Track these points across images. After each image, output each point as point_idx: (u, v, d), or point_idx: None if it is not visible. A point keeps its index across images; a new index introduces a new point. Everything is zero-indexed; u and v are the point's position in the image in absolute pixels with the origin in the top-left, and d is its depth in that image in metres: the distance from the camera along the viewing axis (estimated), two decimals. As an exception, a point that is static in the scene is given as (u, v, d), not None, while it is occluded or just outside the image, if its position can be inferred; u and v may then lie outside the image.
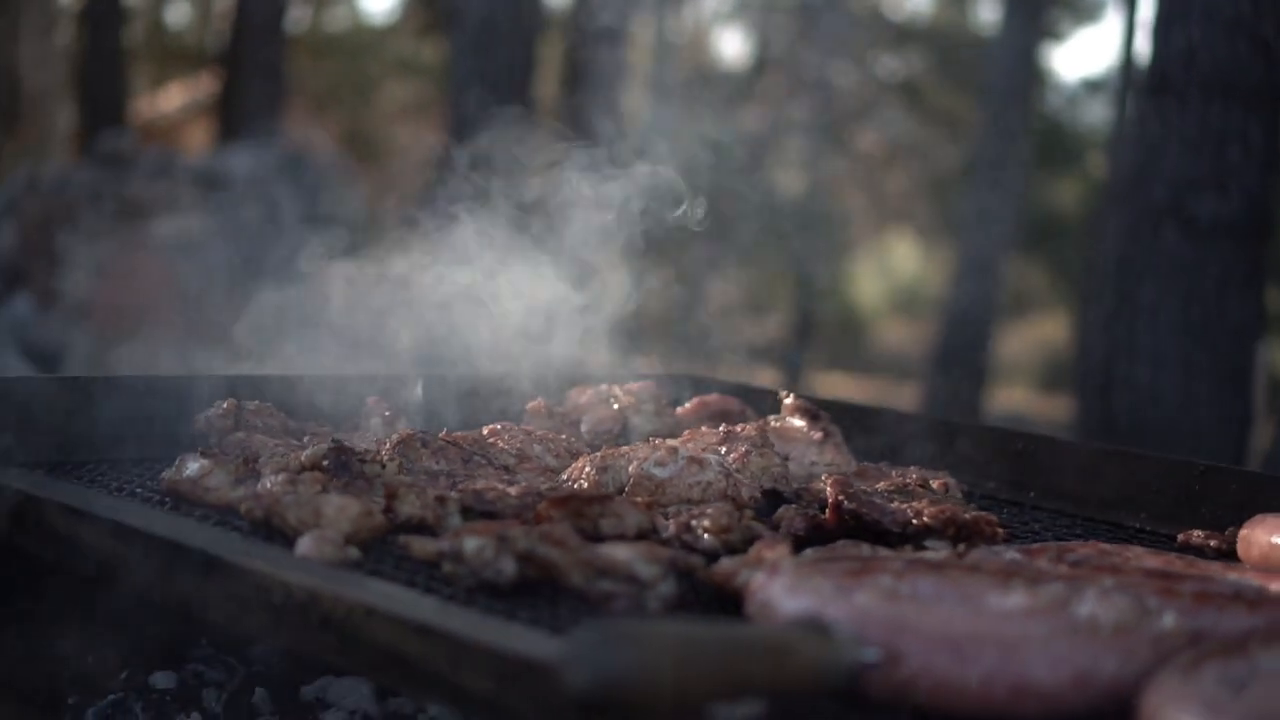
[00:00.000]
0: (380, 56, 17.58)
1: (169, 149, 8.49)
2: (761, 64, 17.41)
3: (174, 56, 17.21)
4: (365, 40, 17.81)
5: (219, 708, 1.38)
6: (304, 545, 1.08)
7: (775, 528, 1.24)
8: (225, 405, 1.50)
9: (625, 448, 1.34)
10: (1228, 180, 5.40)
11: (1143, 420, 4.70)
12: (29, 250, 7.37)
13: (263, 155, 7.47)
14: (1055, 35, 17.53)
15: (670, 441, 1.35)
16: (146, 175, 7.25)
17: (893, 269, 19.94)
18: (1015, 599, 0.94)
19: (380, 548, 1.15)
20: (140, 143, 10.73)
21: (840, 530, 1.24)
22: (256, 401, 1.50)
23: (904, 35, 18.48)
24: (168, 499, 1.30)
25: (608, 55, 9.04)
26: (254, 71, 11.35)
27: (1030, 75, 12.51)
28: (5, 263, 7.33)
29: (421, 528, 1.16)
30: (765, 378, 10.65)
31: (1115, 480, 1.66)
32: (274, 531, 1.17)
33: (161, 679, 1.42)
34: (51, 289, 7.27)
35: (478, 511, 1.17)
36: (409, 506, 1.15)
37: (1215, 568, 1.17)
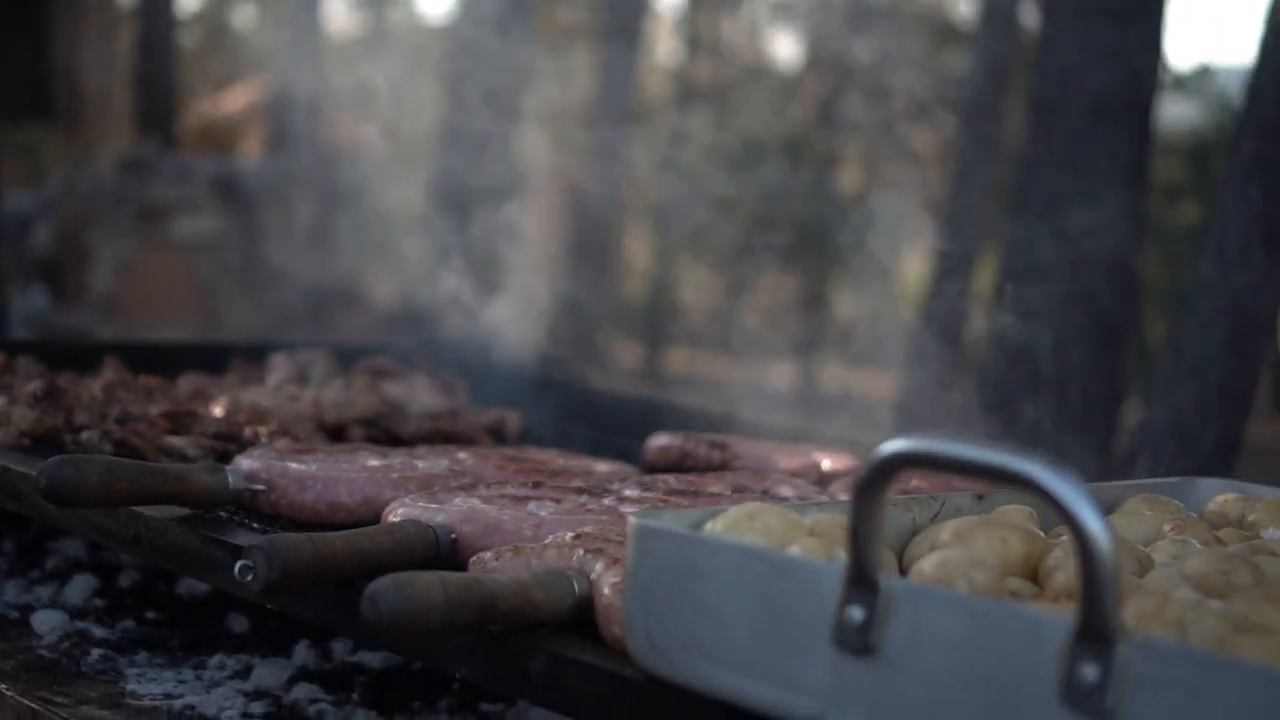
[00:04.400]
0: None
1: (186, 157, 9.33)
2: (812, 63, 17.92)
3: (237, 59, 18.10)
4: (423, 41, 18.59)
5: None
6: (-1, 435, 1.79)
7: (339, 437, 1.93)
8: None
9: (265, 389, 2.03)
10: (1099, 192, 6.02)
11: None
12: (63, 247, 8.24)
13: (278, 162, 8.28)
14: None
15: (294, 388, 2.03)
16: (166, 181, 8.09)
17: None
18: (359, 459, 1.61)
19: (53, 443, 1.84)
20: (184, 147, 11.62)
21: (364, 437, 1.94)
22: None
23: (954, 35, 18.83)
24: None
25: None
26: (293, 75, 12.10)
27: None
28: (41, 258, 8.20)
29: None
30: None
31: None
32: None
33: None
34: (81, 283, 8.14)
35: (122, 420, 1.85)
36: (80, 418, 1.84)
37: (547, 457, 1.82)
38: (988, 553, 1.14)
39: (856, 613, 1.02)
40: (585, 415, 2.44)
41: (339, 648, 1.75)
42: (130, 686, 1.61)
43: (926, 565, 1.12)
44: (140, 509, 1.53)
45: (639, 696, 1.15)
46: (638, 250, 16.15)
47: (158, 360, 2.24)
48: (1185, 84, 12.17)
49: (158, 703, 1.57)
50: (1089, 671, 0.92)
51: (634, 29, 12.48)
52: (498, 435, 2.08)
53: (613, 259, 13.66)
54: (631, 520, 1.13)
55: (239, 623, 1.81)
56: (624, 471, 1.80)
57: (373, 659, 1.73)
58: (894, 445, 0.99)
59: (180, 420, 1.81)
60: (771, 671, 1.06)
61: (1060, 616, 0.94)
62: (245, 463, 1.56)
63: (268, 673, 1.65)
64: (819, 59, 17.66)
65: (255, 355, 2.33)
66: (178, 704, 1.57)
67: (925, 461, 0.99)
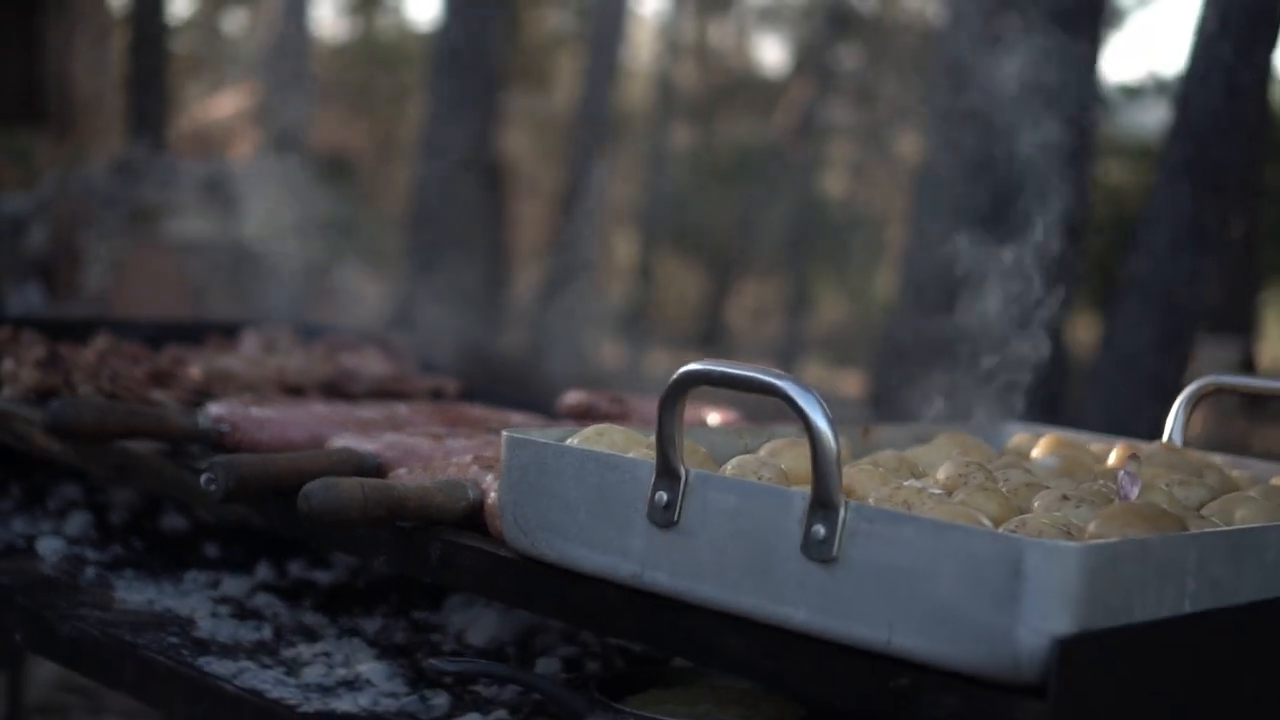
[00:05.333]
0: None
1: (175, 159, 9.69)
2: (799, 68, 18.27)
3: (229, 64, 18.40)
4: (412, 48, 18.90)
5: None
6: (5, 391, 2.14)
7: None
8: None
9: (236, 357, 2.38)
10: (1036, 190, 6.38)
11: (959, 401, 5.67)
12: (57, 247, 8.59)
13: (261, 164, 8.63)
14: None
15: (261, 357, 2.39)
16: (155, 183, 8.44)
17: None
18: (310, 408, 1.97)
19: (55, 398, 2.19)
20: (177, 151, 11.95)
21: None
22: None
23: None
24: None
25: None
26: (285, 79, 12.43)
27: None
28: (36, 258, 8.55)
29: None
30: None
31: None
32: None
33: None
34: (75, 281, 8.49)
35: (113, 378, 2.20)
36: (77, 378, 2.19)
37: (473, 410, 2.17)
38: (777, 460, 1.49)
39: (663, 496, 1.36)
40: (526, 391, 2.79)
41: (295, 567, 2.10)
42: (119, 595, 1.95)
43: (729, 466, 1.47)
44: (126, 443, 1.88)
45: (511, 570, 1.50)
46: (623, 253, 16.51)
47: (144, 335, 2.59)
48: (1138, 93, 12.52)
49: (142, 607, 1.91)
50: (819, 530, 1.27)
51: (616, 34, 12.79)
52: (437, 398, 2.43)
53: (596, 262, 14.00)
54: (504, 433, 1.48)
55: (212, 550, 2.16)
56: (534, 420, 2.15)
57: (323, 576, 2.08)
58: (687, 367, 1.34)
59: (162, 379, 2.16)
60: (604, 543, 1.40)
61: (801, 491, 1.29)
62: (214, 408, 1.91)
63: (234, 585, 2.00)
64: (805, 64, 18.02)
65: (229, 331, 2.68)
66: (158, 607, 1.92)
67: (709, 379, 1.34)
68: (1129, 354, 5.80)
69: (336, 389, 2.30)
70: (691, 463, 1.45)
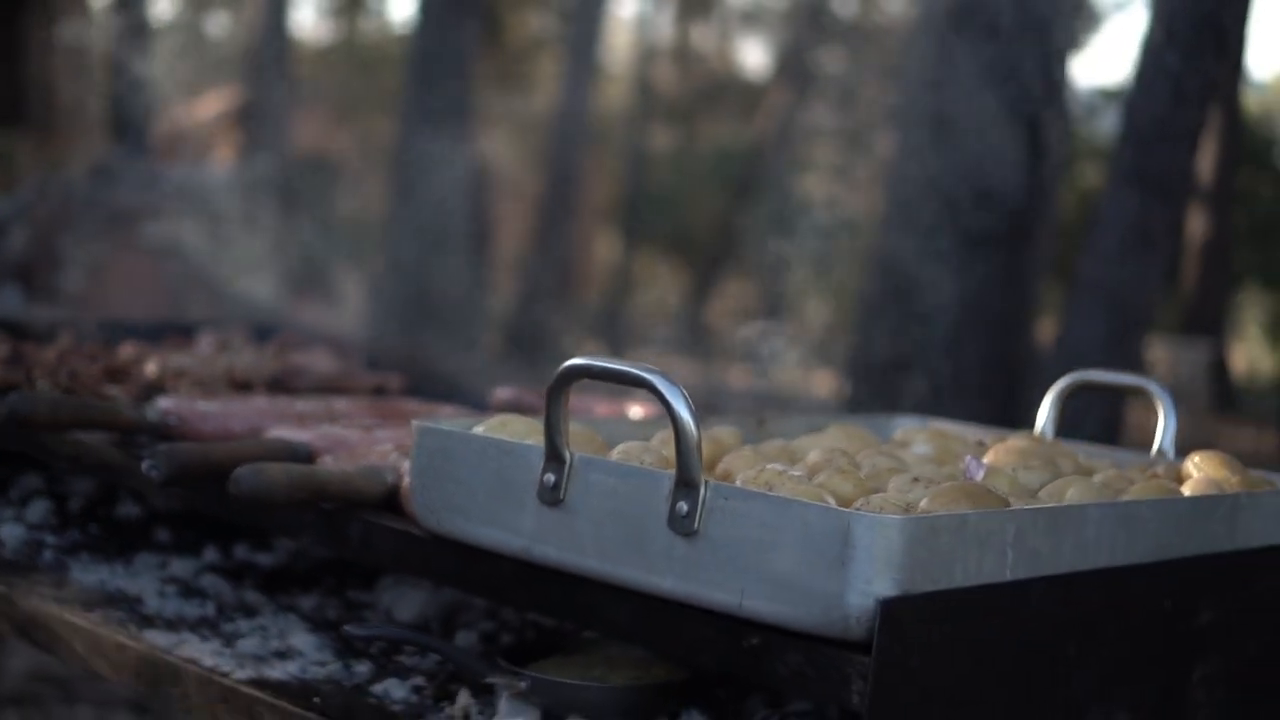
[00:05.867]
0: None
1: (154, 163, 9.85)
2: (780, 71, 18.45)
3: (212, 67, 18.54)
4: (394, 50, 19.05)
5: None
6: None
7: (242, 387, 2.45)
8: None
9: (191, 355, 2.55)
10: (992, 196, 6.59)
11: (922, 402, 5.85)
12: (36, 250, 8.74)
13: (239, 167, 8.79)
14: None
15: (214, 355, 2.55)
16: (134, 187, 8.60)
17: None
18: (252, 403, 2.13)
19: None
20: (159, 154, 12.10)
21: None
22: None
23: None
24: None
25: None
26: (265, 82, 12.58)
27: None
28: (15, 260, 8.70)
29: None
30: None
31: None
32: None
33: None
34: (53, 284, 8.65)
35: (70, 376, 2.36)
36: (37, 374, 2.35)
37: (407, 404, 2.33)
38: (663, 448, 1.66)
39: (550, 477, 1.53)
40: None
41: (240, 551, 2.26)
42: (74, 576, 2.12)
43: (616, 451, 1.63)
44: (79, 434, 2.04)
45: (421, 547, 1.67)
46: (601, 255, 16.67)
47: (107, 335, 2.75)
48: (1116, 96, 12.69)
49: (94, 586, 2.08)
50: (682, 506, 1.44)
51: (594, 37, 12.96)
52: (380, 394, 2.59)
53: (574, 264, 14.17)
54: (413, 423, 1.65)
55: (163, 535, 2.32)
56: (465, 413, 2.31)
57: (265, 559, 2.24)
58: (571, 362, 1.51)
59: (117, 375, 2.32)
60: (500, 521, 1.57)
61: (668, 473, 1.46)
62: (162, 401, 2.07)
63: (181, 567, 2.16)
64: (787, 67, 18.20)
65: (187, 331, 2.85)
66: (110, 587, 2.08)
67: (590, 373, 1.50)
68: (1078, 353, 5.98)
69: (283, 385, 2.46)
70: (589, 449, 1.62)
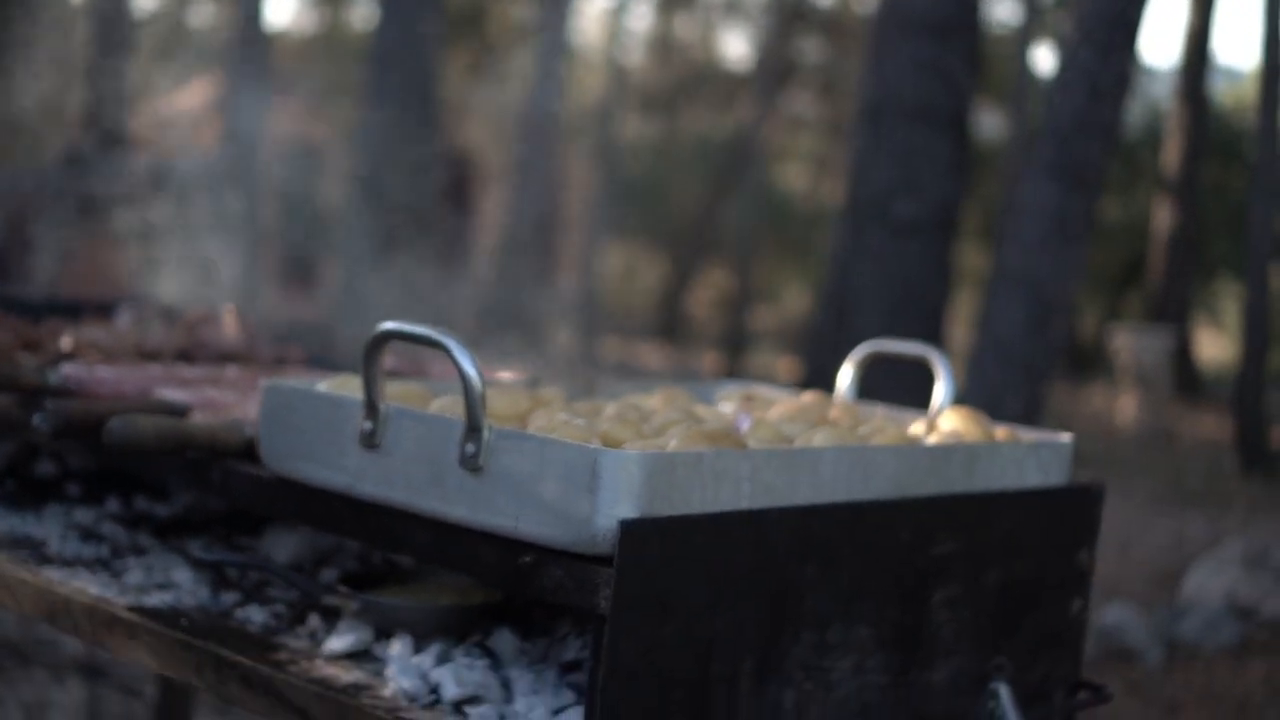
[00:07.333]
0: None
1: (126, 152, 10.12)
2: (762, 61, 18.71)
3: (194, 57, 18.78)
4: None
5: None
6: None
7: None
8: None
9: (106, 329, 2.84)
10: (921, 189, 6.89)
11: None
12: (9, 236, 9.04)
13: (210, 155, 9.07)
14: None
15: (128, 329, 2.84)
16: (105, 175, 8.89)
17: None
18: (148, 370, 2.42)
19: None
20: (138, 143, 12.36)
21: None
22: None
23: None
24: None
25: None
26: (243, 70, 12.83)
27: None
28: (-9, 249, 9.00)
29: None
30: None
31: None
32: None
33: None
34: (25, 270, 8.94)
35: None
36: None
37: (295, 371, 2.62)
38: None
39: (368, 425, 1.82)
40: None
41: (140, 503, 2.55)
42: (-14, 524, 2.40)
43: (433, 406, 1.92)
44: (-11, 396, 2.33)
45: (269, 488, 1.96)
46: (577, 244, 16.93)
47: (34, 311, 3.03)
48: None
49: (3, 532, 2.36)
50: (470, 448, 1.72)
51: (566, 25, 13.21)
52: (281, 364, 2.87)
53: (551, 253, 14.44)
54: (261, 382, 1.94)
55: (73, 489, 2.61)
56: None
57: (162, 510, 2.53)
58: (383, 326, 1.80)
59: (33, 346, 2.60)
60: (329, 462, 1.86)
61: (459, 418, 1.74)
62: (65, 367, 2.35)
63: (85, 515, 2.45)
64: (768, 58, 18.46)
65: (107, 310, 3.13)
66: (18, 533, 2.37)
67: (399, 335, 1.79)
68: (1001, 338, 6.28)
69: (187, 357, 2.75)
70: (417, 404, 1.91)
